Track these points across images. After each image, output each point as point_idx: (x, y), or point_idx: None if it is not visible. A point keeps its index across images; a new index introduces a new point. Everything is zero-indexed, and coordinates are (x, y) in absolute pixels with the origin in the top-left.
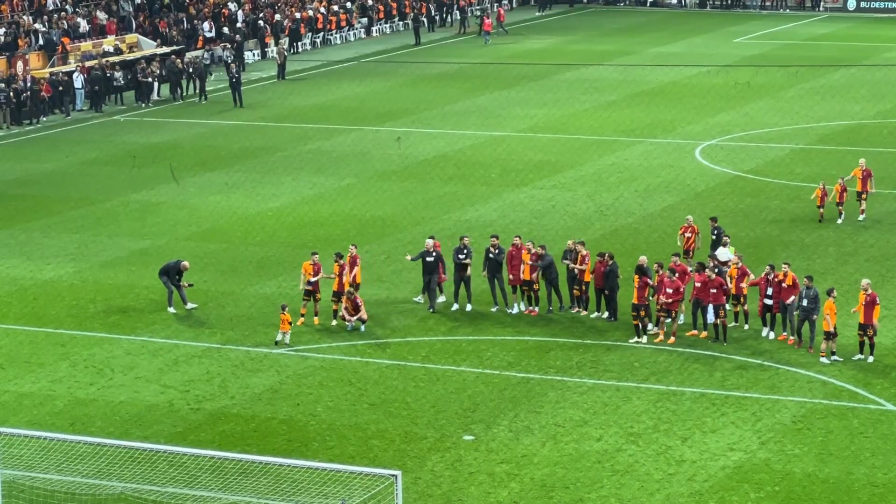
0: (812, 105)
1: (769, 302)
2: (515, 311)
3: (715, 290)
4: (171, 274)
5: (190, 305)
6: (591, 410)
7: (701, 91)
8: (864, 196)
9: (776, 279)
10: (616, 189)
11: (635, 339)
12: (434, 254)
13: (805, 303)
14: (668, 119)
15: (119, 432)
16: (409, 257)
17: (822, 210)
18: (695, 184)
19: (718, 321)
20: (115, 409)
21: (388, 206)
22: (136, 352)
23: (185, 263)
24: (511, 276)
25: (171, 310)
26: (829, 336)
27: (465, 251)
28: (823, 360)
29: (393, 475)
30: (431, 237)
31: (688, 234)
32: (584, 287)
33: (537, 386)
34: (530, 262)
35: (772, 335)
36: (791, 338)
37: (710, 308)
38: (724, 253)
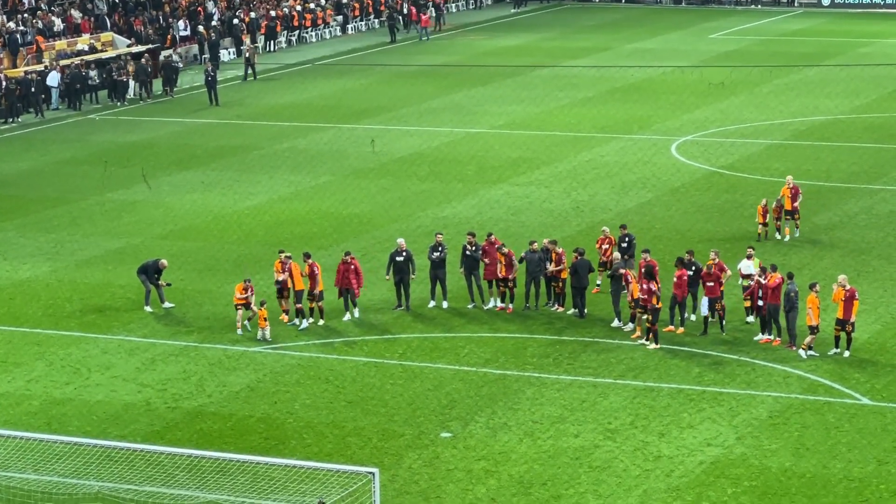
0: (788, 101)
1: (761, 303)
2: (491, 305)
3: (712, 284)
4: (150, 272)
5: (167, 304)
6: (568, 407)
7: (677, 87)
8: (796, 216)
9: (766, 281)
10: (592, 185)
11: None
12: (405, 253)
13: (785, 300)
14: (644, 115)
15: (96, 431)
16: (387, 277)
17: (764, 228)
18: (671, 180)
19: (714, 313)
20: (91, 408)
21: (365, 203)
22: (113, 351)
23: (164, 262)
24: (485, 273)
25: (148, 308)
26: (813, 330)
27: (441, 248)
28: (801, 353)
29: (370, 473)
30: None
31: (605, 246)
32: (561, 284)
33: (514, 382)
34: (491, 261)
35: (761, 337)
36: (777, 338)
37: (706, 300)
38: (747, 266)
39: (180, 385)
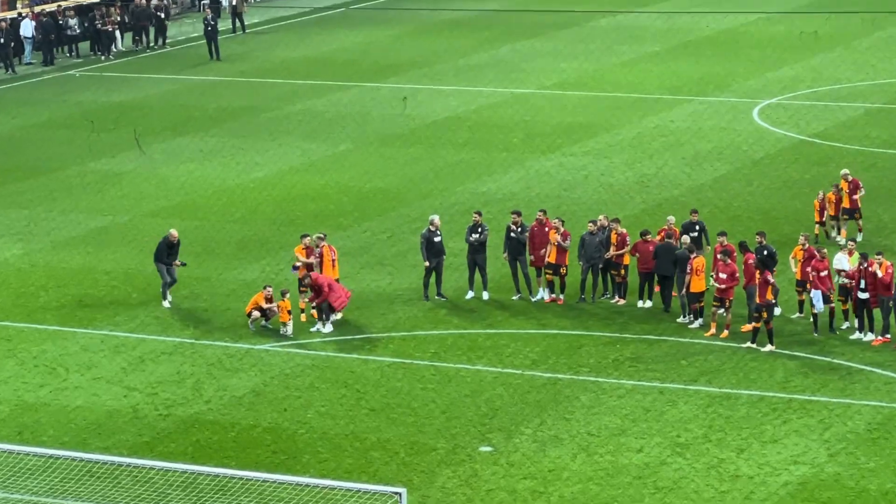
0: (891, 57)
1: (864, 296)
2: (539, 297)
3: (825, 273)
4: (163, 255)
5: (166, 303)
6: (630, 417)
7: (760, 40)
8: (857, 215)
9: (870, 269)
10: (659, 156)
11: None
12: (440, 234)
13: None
14: (721, 73)
15: (75, 442)
16: (428, 264)
17: (823, 227)
18: (752, 150)
19: (826, 307)
20: (70, 415)
21: (392, 176)
22: (95, 348)
23: (174, 233)
24: (532, 258)
25: (167, 303)
26: None
27: (480, 230)
28: None
29: (397, 493)
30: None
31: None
32: (623, 271)
33: (567, 388)
34: (557, 243)
35: (870, 337)
36: (884, 337)
37: (819, 294)
38: (841, 260)
39: (174, 388)
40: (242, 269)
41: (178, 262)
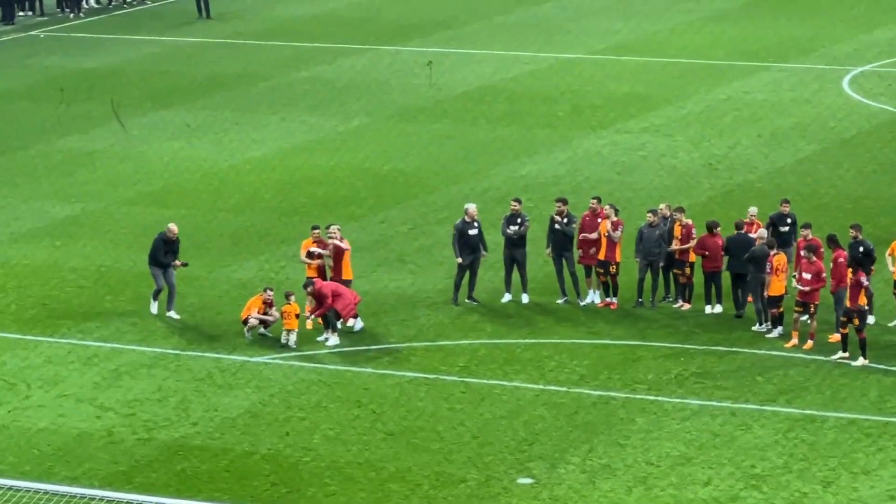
0: None
1: None
2: (589, 301)
3: None
4: (160, 255)
5: (172, 314)
6: (695, 443)
7: None
8: None
9: None
10: (731, 134)
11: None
12: (477, 225)
13: None
14: (804, 35)
15: (38, 472)
16: (460, 260)
17: None
18: (842, 126)
19: None
20: (32, 439)
21: (414, 156)
22: (62, 360)
23: (173, 228)
24: (581, 253)
25: (154, 309)
26: None
27: (520, 221)
28: None
29: None
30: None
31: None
32: (688, 270)
33: (621, 408)
34: (607, 234)
35: None
36: None
37: None
38: None
39: (155, 408)
40: (237, 266)
41: (178, 262)
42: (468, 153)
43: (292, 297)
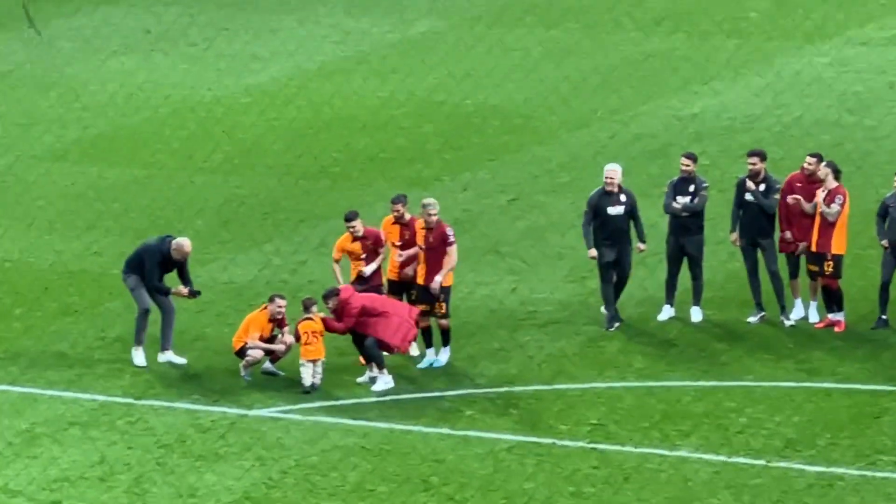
0: None
1: None
2: (800, 317)
3: None
4: (157, 277)
5: (170, 357)
6: None
7: None
8: None
9: None
10: None
11: None
12: (625, 198)
13: None
14: None
15: None
16: (641, 246)
17: None
18: None
19: None
20: None
21: (515, 84)
22: None
23: (185, 244)
24: (789, 235)
25: (139, 358)
26: None
27: (694, 188)
28: None
29: None
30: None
31: None
32: None
33: (852, 494)
34: (821, 211)
35: None
36: None
37: None
38: None
39: (93, 491)
40: (227, 262)
41: (185, 289)
42: (603, 79)
43: (314, 308)
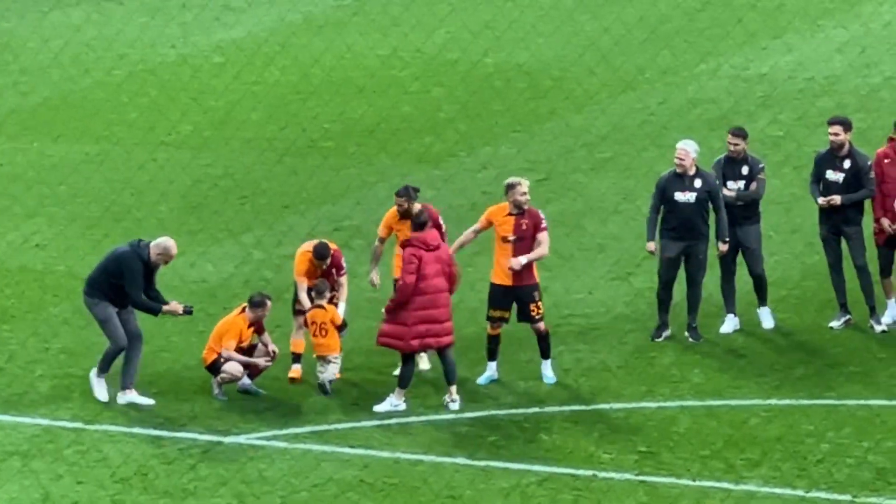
0: None
1: None
2: (891, 323)
3: None
4: (138, 285)
5: (133, 397)
6: None
7: None
8: None
9: None
10: None
11: None
12: (698, 177)
13: None
14: None
15: None
16: (721, 246)
17: None
18: None
19: None
20: None
21: (546, 40)
22: None
23: (170, 245)
24: (880, 223)
25: (101, 391)
26: None
27: (748, 170)
28: None
29: None
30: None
31: None
32: None
33: None
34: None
35: None
36: None
37: None
38: None
39: None
40: (197, 256)
41: (180, 306)
42: (652, 32)
43: (327, 294)
